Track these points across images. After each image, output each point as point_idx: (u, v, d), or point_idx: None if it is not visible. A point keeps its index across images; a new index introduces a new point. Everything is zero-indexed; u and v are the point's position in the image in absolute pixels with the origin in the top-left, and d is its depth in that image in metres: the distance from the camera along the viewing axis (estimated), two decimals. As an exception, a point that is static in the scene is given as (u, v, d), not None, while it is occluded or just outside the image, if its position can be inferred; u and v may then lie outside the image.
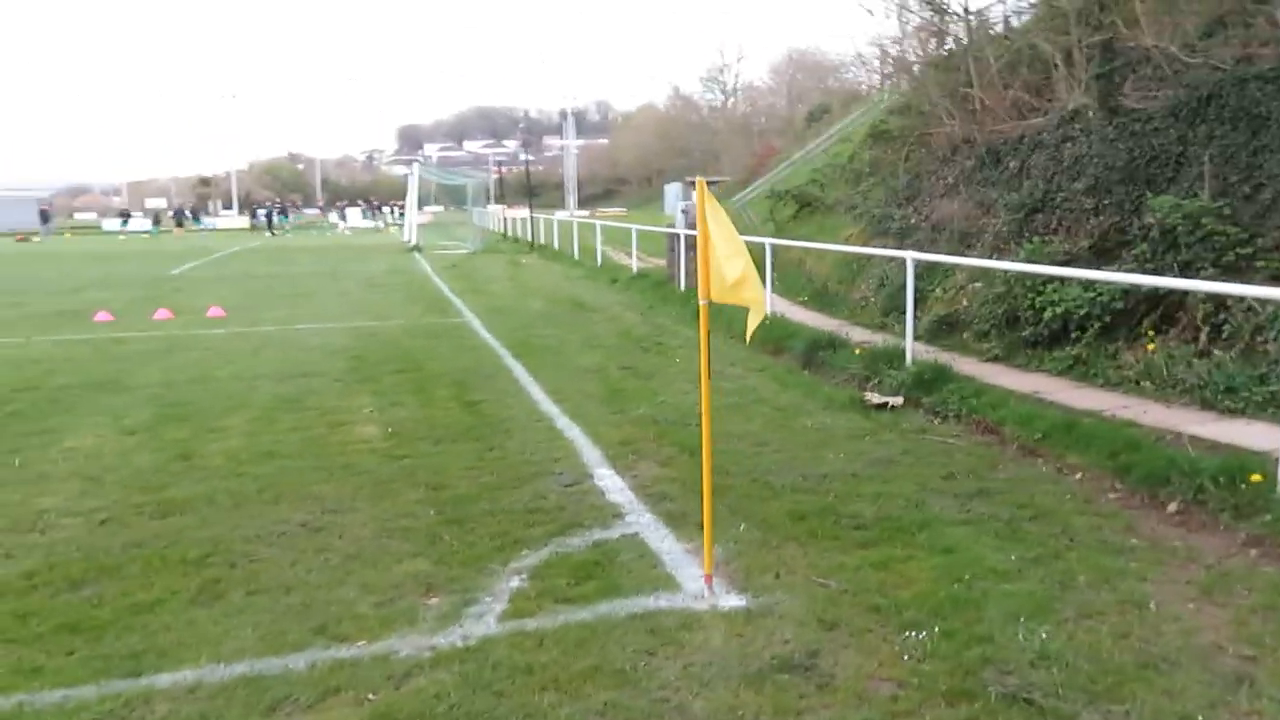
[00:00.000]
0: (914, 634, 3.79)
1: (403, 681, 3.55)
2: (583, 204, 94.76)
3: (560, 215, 43.37)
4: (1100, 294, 8.27)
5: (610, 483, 6.01)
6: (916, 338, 10.29)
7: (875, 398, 7.78)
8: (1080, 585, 4.26)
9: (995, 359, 9.12)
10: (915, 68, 14.50)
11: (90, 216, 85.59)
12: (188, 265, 28.00)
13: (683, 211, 15.97)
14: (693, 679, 3.52)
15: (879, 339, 10.04)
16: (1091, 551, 4.65)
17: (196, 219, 68.35)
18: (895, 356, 8.56)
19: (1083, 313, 8.35)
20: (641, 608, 4.13)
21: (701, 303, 4.15)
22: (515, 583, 4.46)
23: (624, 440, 6.99)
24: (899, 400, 7.71)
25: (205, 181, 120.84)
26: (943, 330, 10.28)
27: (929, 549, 4.69)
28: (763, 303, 4.16)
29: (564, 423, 7.57)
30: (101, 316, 14.81)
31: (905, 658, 3.62)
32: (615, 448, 6.81)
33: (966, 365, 8.91)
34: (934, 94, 13.27)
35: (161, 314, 15.04)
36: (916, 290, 11.09)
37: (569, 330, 12.67)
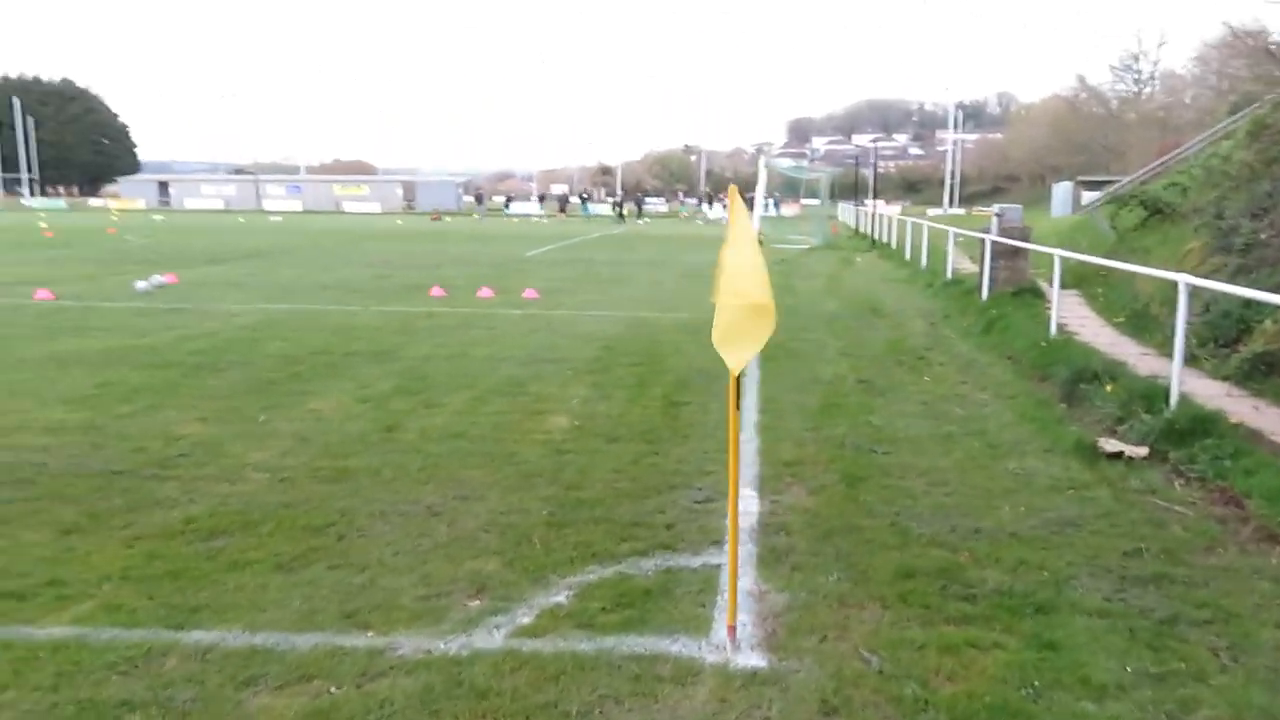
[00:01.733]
0: (914, 742, 3.15)
1: (368, 681, 3.59)
2: (966, 201, 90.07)
3: (932, 213, 41.57)
4: None
5: (744, 505, 5.65)
6: (1226, 377, 8.67)
7: (1112, 445, 6.59)
8: (1194, 723, 3.30)
9: (1312, 413, 7.34)
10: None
11: (501, 200, 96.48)
12: (544, 249, 30.49)
13: (996, 215, 14.56)
14: (632, 740, 3.20)
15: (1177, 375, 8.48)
16: (1248, 683, 3.59)
17: (585, 205, 74.42)
18: (1157, 397, 7.18)
19: None
20: (650, 649, 3.83)
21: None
22: (559, 598, 4.34)
23: (793, 460, 6.54)
24: (1141, 451, 6.47)
25: (605, 170, 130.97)
26: (1260, 370, 8.46)
27: (1027, 640, 3.89)
28: (735, 358, 3.63)
29: (748, 434, 7.24)
30: (436, 292, 16.55)
31: (879, 769, 3.03)
32: (778, 467, 6.40)
33: (1268, 417, 7.27)
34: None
35: (484, 292, 16.49)
36: (1241, 319, 9.36)
37: (839, 336, 12.11)
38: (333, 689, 3.54)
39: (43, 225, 45.83)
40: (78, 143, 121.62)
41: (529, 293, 16.49)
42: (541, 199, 71.84)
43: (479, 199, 65.68)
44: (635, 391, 8.69)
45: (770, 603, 4.29)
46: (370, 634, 3.98)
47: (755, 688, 3.53)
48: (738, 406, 3.74)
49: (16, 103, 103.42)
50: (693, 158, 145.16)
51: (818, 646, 3.87)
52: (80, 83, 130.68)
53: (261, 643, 3.89)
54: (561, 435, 7.17)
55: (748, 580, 4.55)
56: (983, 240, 14.40)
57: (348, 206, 77.97)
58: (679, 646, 3.86)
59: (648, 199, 77.00)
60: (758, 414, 7.90)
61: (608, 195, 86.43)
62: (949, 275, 17.39)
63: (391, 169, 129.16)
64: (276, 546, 4.95)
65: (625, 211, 58.47)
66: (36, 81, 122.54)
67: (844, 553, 4.87)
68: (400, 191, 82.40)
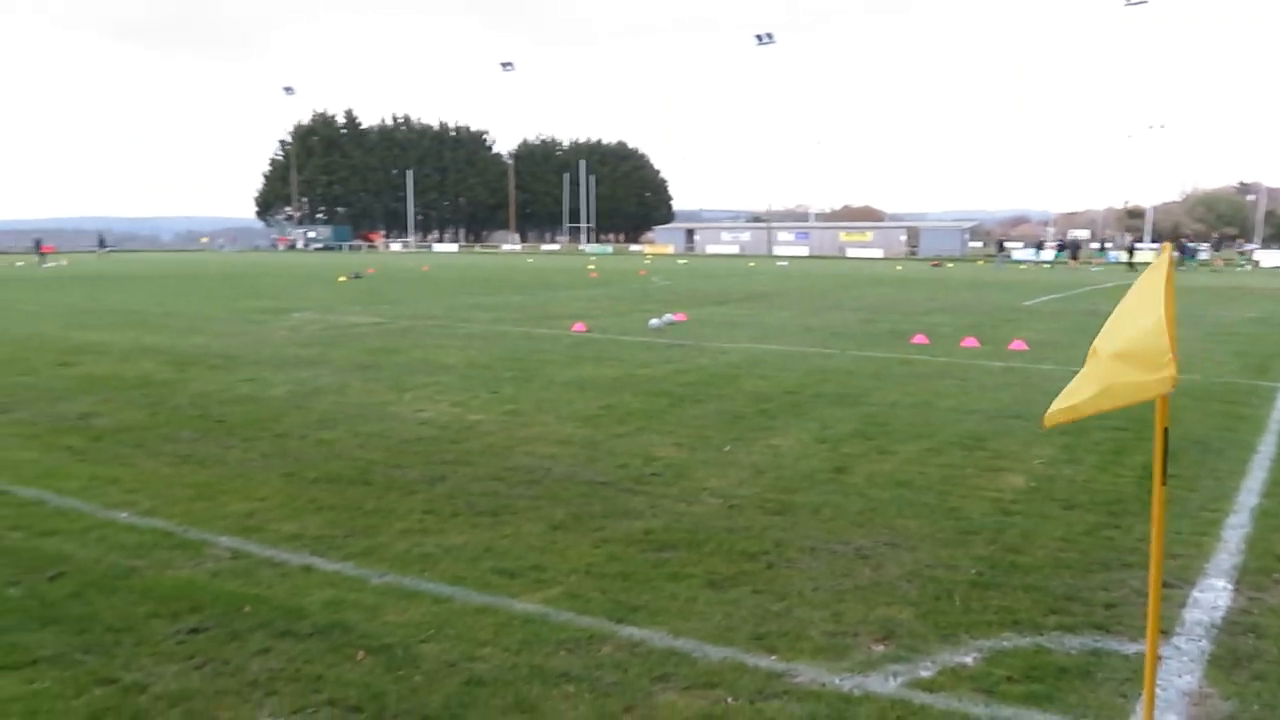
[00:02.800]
0: None
1: (761, 699, 3.86)
2: None
3: None
4: None
5: (1208, 597, 5.00)
6: None
7: None
8: None
9: None
10: None
11: (1017, 245, 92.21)
12: (1044, 298, 28.68)
13: None
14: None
15: None
16: None
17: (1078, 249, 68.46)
18: None
19: None
20: (1048, 729, 3.62)
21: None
22: (965, 658, 4.25)
23: (1292, 555, 5.60)
24: None
25: (1133, 213, 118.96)
26: None
27: None
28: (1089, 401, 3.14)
29: (1239, 519, 6.33)
30: (918, 339, 16.50)
31: None
32: (1268, 560, 5.53)
33: None
34: None
35: (968, 342, 16.09)
36: None
37: (1401, 414, 9.92)
38: (730, 700, 3.87)
39: (590, 267, 53.60)
40: (626, 195, 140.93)
41: (1016, 344, 15.75)
42: (1062, 248, 67.05)
43: (1000, 246, 64.35)
44: (1109, 457, 7.98)
45: (1210, 709, 3.80)
46: (774, 657, 4.26)
47: (1162, 795, 3.19)
48: (1164, 481, 3.39)
49: (583, 164, 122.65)
50: (1249, 197, 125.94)
51: (1257, 769, 3.36)
52: (631, 144, 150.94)
53: (680, 647, 4.36)
54: (1012, 495, 6.86)
55: (1191, 679, 4.06)
56: None
57: (851, 252, 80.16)
58: (1082, 733, 3.60)
59: (1192, 245, 67.96)
60: (1259, 497, 6.85)
61: (1134, 241, 78.30)
62: None
63: (899, 214, 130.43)
64: (713, 565, 5.44)
65: (1136, 260, 53.11)
66: (599, 145, 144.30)
67: (1322, 670, 4.12)
68: (904, 237, 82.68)
